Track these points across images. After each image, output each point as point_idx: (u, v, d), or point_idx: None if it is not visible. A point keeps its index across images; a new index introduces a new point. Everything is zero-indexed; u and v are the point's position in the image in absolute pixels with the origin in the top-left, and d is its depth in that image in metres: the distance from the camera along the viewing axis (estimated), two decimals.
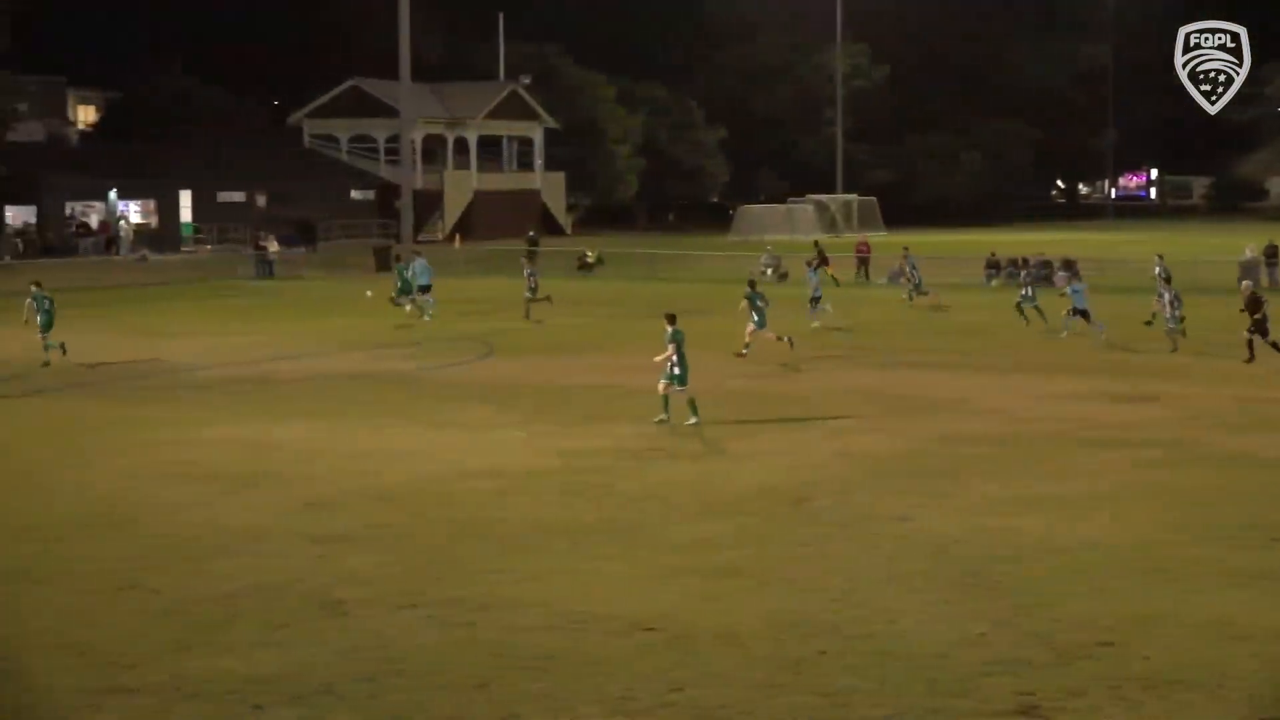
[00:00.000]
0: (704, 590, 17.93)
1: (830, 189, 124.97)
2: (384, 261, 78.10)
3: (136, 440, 28.10)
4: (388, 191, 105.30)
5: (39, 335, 39.48)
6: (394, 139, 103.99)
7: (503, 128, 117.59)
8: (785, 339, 39.73)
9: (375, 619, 16.88)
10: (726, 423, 29.71)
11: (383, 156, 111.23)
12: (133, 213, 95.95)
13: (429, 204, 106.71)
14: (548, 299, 51.37)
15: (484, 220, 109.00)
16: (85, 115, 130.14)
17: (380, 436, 28.45)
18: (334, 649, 15.84)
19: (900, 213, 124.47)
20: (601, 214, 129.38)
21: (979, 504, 22.46)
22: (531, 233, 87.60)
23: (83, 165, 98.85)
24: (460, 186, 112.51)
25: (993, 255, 68.75)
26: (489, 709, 14.18)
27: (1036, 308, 46.00)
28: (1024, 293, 46.84)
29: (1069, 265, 52.48)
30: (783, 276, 69.81)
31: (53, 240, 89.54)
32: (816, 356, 40.19)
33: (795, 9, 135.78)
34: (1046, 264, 67.41)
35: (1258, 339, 38.42)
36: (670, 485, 23.88)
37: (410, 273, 52.56)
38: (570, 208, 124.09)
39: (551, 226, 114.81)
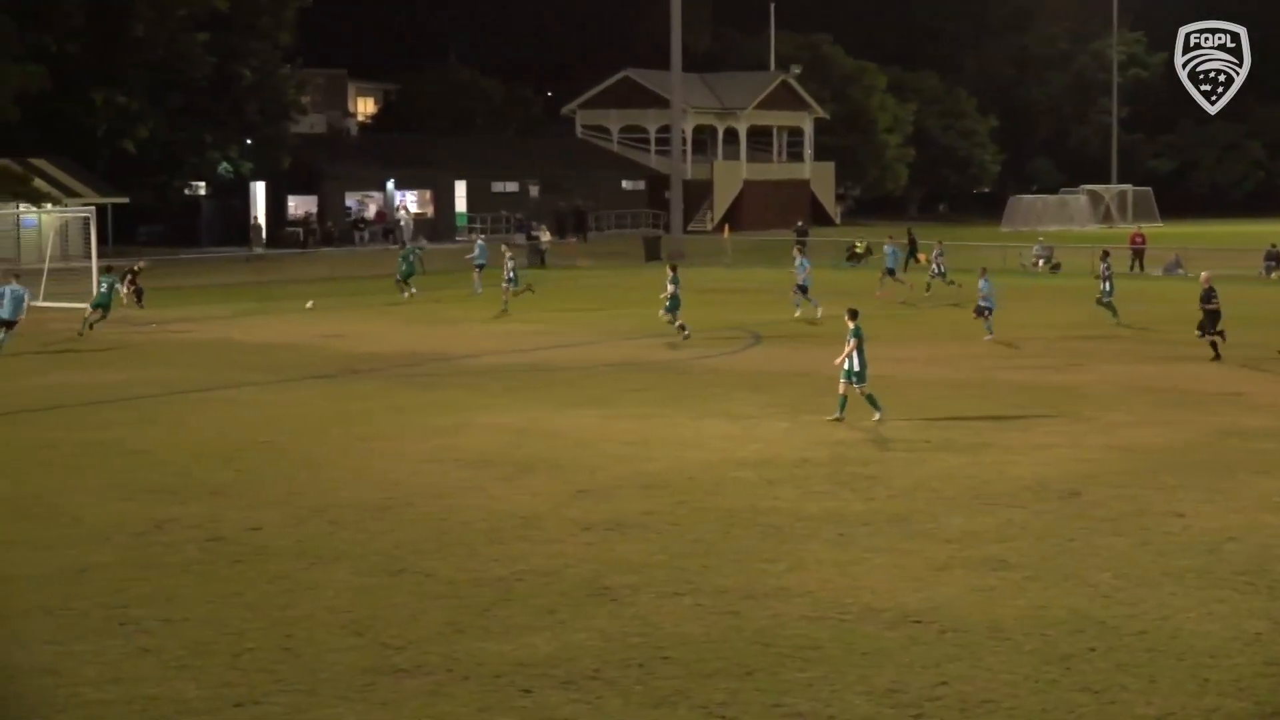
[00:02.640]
0: (972, 583, 17.82)
1: (1104, 179, 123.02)
2: (653, 251, 78.76)
3: (412, 426, 28.69)
4: (657, 182, 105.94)
5: (89, 309, 45.00)
6: (664, 129, 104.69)
7: (773, 118, 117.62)
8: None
9: (643, 606, 17.04)
10: (998, 416, 29.47)
11: (653, 147, 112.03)
12: (409, 203, 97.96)
13: (698, 194, 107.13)
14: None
15: (752, 211, 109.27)
16: (364, 107, 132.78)
17: (650, 425, 28.67)
18: (603, 634, 16.03)
19: (1177, 203, 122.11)
20: (871, 204, 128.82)
21: (1257, 501, 21.97)
22: (800, 223, 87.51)
23: (361, 157, 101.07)
24: (729, 177, 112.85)
25: (1273, 247, 67.11)
26: (756, 696, 14.25)
27: None
28: None
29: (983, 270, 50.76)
30: (1055, 268, 68.93)
31: (333, 230, 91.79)
32: (1089, 349, 39.73)
33: None
34: None
35: (1217, 337, 37.74)
36: (939, 477, 23.74)
37: (415, 256, 53.81)
38: (839, 198, 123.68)
39: (820, 217, 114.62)
